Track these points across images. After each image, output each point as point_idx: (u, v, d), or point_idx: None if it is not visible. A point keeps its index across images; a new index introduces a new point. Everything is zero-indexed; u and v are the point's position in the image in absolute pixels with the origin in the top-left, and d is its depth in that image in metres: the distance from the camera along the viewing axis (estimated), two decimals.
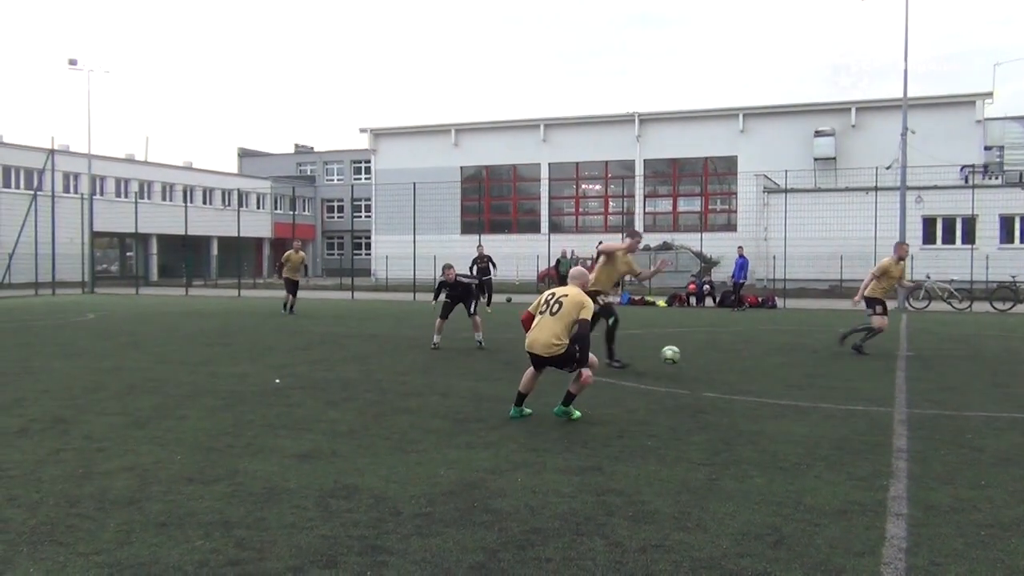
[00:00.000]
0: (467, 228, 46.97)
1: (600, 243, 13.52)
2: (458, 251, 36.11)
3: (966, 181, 36.93)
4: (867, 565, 4.01)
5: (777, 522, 4.63)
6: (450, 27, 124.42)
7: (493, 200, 51.30)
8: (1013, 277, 27.17)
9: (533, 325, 7.62)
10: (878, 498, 5.11)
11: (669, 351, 10.69)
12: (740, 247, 27.82)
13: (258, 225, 58.36)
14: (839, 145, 42.19)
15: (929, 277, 27.99)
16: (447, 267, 14.48)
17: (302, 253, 22.53)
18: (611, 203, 48.89)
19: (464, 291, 14.16)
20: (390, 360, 12.18)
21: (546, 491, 5.23)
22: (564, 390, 7.64)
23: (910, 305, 26.48)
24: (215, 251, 55.93)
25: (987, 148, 40.09)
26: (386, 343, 14.69)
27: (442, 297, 14.32)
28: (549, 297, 7.68)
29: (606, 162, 48.28)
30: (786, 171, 36.99)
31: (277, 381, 9.74)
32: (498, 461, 6.00)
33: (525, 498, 5.07)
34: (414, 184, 33.98)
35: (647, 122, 46.97)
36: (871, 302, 13.24)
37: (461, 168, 50.40)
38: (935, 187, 35.21)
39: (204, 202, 56.76)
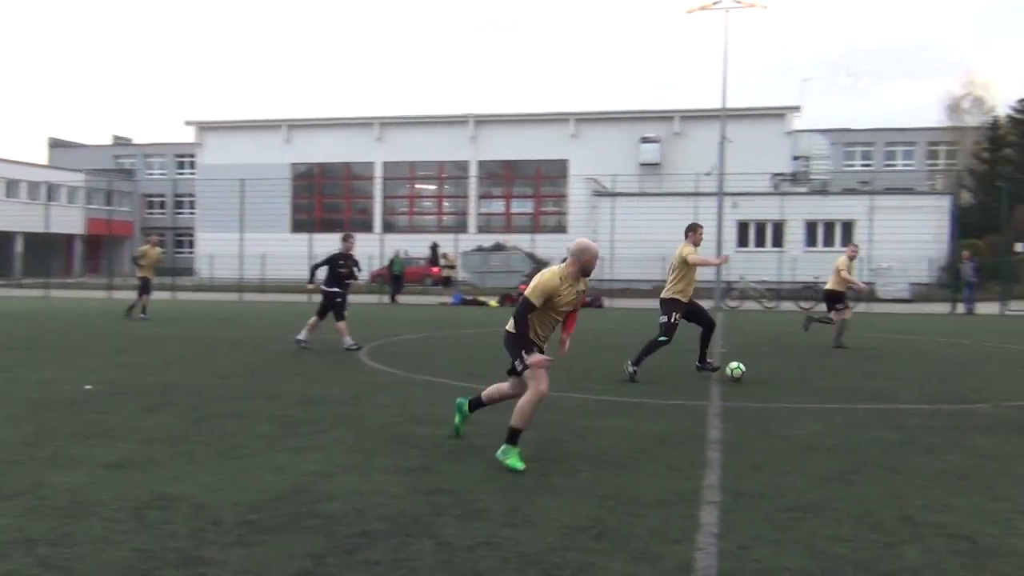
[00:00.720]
0: (298, 226, 45.89)
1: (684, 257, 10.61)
2: (289, 250, 35.21)
3: (776, 188, 39.53)
4: (682, 551, 4.21)
5: (601, 515, 4.78)
6: (282, 19, 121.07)
7: (325, 199, 50.36)
8: (816, 278, 29.29)
9: None
10: (694, 487, 5.38)
11: (732, 366, 9.97)
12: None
13: (69, 220, 54.56)
14: (664, 152, 44.17)
15: (743, 278, 29.77)
16: (348, 236, 13.52)
17: (159, 249, 21.04)
18: (445, 203, 49.07)
19: (352, 272, 13.32)
20: (214, 363, 11.70)
21: (375, 493, 5.17)
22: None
23: (726, 304, 28.07)
24: (20, 248, 51.92)
25: (795, 158, 43.09)
26: (210, 345, 14.10)
27: (321, 276, 13.23)
28: None
29: (441, 162, 48.43)
30: (614, 175, 38.33)
31: (88, 387, 9.14)
32: (327, 464, 5.88)
33: (354, 501, 5.00)
34: (242, 180, 32.82)
35: (482, 124, 47.49)
36: (834, 299, 14.67)
37: (292, 165, 49.20)
38: (749, 193, 37.50)
39: (8, 195, 52.61)
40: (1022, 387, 10.08)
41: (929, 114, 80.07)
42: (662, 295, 10.69)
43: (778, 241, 36.72)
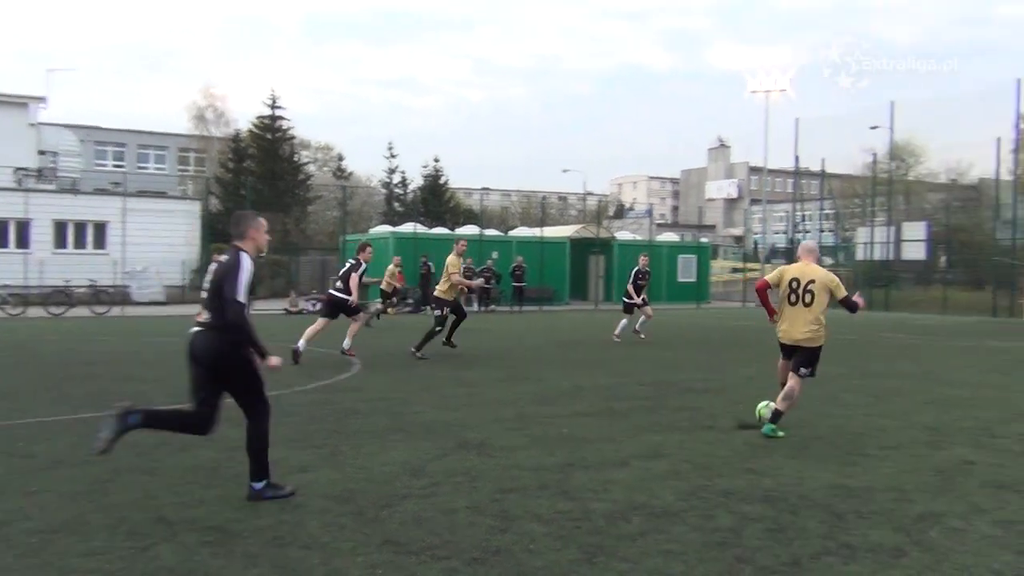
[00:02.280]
0: None
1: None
2: None
3: (19, 184, 36.29)
4: None
5: None
6: None
7: None
8: (67, 282, 27.81)
9: (783, 316, 7.67)
10: None
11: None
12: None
13: None
14: None
15: None
16: None
17: None
18: None
19: None
20: None
21: None
22: None
23: None
24: None
25: (41, 152, 40.13)
26: None
27: None
28: (794, 283, 7.56)
29: None
30: None
31: None
32: None
33: None
34: None
35: None
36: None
37: None
38: None
39: None
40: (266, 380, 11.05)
41: (179, 120, 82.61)
42: (435, 293, 14.02)
43: (23, 242, 33.80)
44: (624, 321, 17.69)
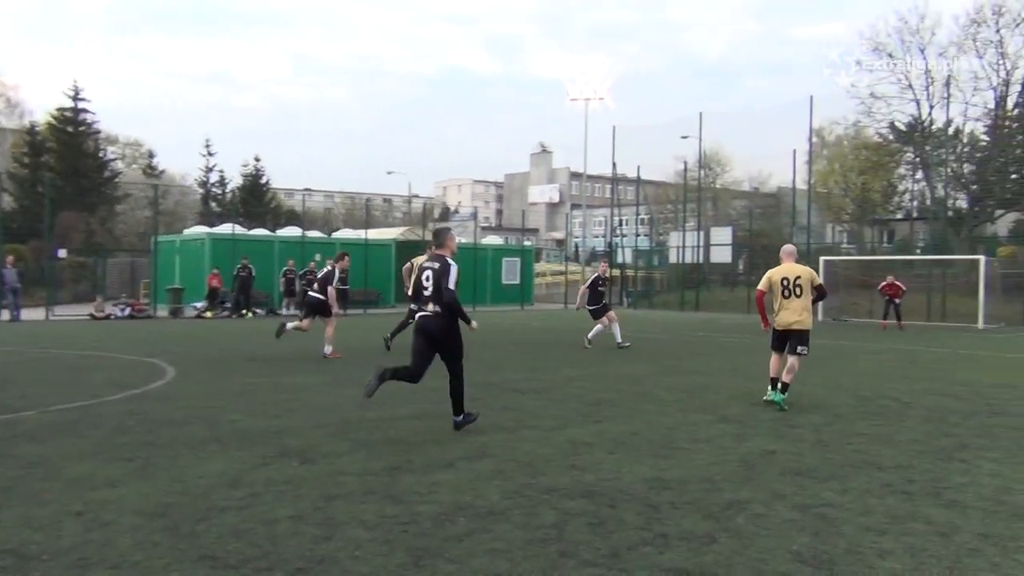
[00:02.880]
0: None
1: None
2: None
3: None
4: None
5: None
6: None
7: None
8: None
9: (780, 308, 9.37)
10: None
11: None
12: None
13: None
14: None
15: None
16: None
17: None
18: None
19: None
20: None
21: None
22: None
23: None
24: None
25: None
26: None
27: None
28: (784, 281, 9.30)
29: None
30: None
31: None
32: None
33: None
34: None
35: None
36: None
37: None
38: None
39: None
40: (68, 391, 10.34)
41: None
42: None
43: None
44: (599, 327, 17.13)
